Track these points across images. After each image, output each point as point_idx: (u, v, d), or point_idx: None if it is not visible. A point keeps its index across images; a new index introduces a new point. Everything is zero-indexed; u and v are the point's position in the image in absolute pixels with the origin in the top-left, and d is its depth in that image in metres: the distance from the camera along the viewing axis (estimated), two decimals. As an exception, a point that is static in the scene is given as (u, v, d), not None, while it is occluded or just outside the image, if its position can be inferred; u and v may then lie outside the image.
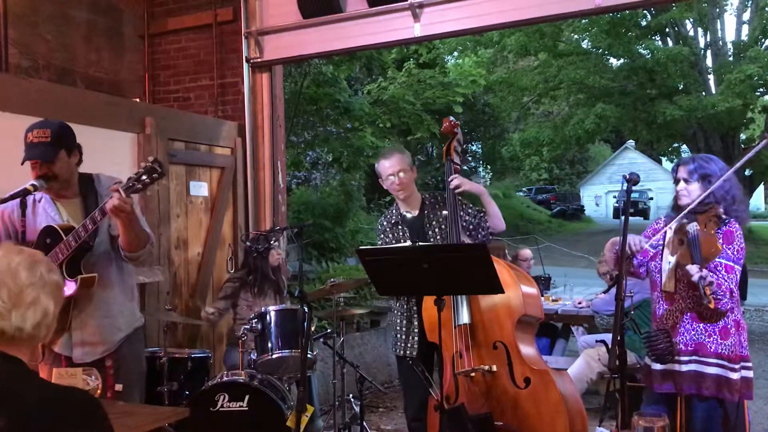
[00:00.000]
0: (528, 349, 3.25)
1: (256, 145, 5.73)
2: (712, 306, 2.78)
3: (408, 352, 3.59)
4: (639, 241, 3.02)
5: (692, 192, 3.03)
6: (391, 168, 3.62)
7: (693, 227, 2.90)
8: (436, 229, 3.60)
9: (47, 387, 1.54)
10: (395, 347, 3.69)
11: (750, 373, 3.01)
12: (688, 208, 2.96)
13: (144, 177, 2.70)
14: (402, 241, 3.63)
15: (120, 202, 2.68)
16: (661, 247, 3.14)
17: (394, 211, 3.76)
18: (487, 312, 3.27)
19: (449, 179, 3.47)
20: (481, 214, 3.60)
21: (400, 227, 3.68)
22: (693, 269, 2.82)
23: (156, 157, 2.86)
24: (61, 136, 2.91)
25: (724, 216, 2.97)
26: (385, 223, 3.77)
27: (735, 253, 2.96)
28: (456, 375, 3.20)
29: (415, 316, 3.58)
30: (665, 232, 3.12)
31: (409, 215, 3.70)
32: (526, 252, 6.63)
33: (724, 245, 2.94)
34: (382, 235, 3.74)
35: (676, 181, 3.11)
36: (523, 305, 3.21)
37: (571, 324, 6.24)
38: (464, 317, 3.28)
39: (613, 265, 3.12)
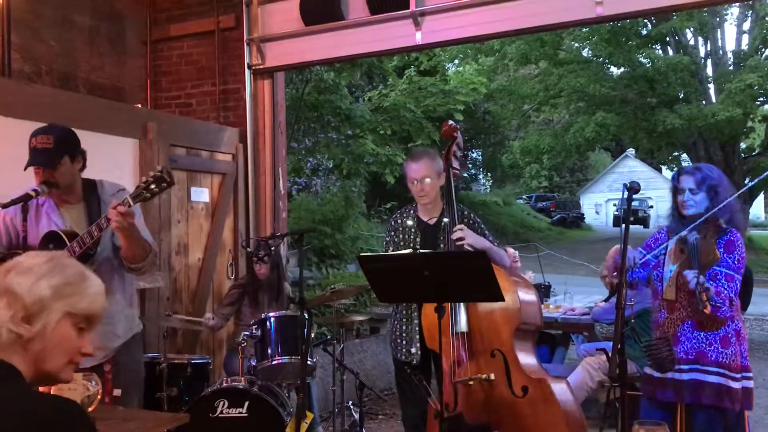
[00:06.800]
0: (527, 358, 3.23)
1: (257, 151, 5.74)
2: (707, 311, 2.78)
3: (407, 357, 3.57)
4: (633, 257, 3.02)
5: (699, 202, 3.04)
6: (416, 172, 3.49)
7: (693, 236, 2.91)
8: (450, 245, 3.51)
9: (30, 399, 1.44)
10: (395, 351, 3.66)
11: (750, 384, 3.01)
12: (704, 217, 2.93)
13: (152, 186, 2.69)
14: (411, 245, 3.57)
15: (119, 219, 2.67)
16: (663, 256, 3.15)
17: (411, 212, 3.66)
18: (484, 320, 3.25)
19: (453, 229, 3.31)
20: (483, 227, 3.57)
21: (414, 230, 3.60)
22: (689, 274, 2.83)
23: (164, 166, 2.86)
24: (64, 142, 2.90)
25: (725, 225, 2.98)
26: (400, 221, 3.66)
27: (735, 262, 2.97)
28: (454, 384, 3.19)
29: (416, 321, 3.54)
30: (668, 241, 3.14)
31: (426, 221, 3.61)
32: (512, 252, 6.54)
33: (724, 254, 2.96)
34: (393, 233, 3.66)
35: (680, 191, 3.10)
36: (521, 313, 3.20)
37: (571, 332, 6.23)
38: (462, 325, 3.25)
39: (611, 273, 3.12)
